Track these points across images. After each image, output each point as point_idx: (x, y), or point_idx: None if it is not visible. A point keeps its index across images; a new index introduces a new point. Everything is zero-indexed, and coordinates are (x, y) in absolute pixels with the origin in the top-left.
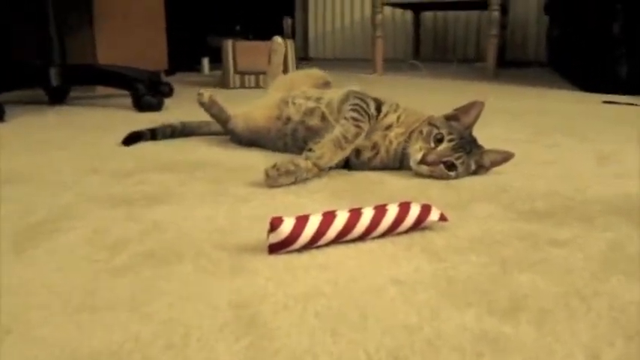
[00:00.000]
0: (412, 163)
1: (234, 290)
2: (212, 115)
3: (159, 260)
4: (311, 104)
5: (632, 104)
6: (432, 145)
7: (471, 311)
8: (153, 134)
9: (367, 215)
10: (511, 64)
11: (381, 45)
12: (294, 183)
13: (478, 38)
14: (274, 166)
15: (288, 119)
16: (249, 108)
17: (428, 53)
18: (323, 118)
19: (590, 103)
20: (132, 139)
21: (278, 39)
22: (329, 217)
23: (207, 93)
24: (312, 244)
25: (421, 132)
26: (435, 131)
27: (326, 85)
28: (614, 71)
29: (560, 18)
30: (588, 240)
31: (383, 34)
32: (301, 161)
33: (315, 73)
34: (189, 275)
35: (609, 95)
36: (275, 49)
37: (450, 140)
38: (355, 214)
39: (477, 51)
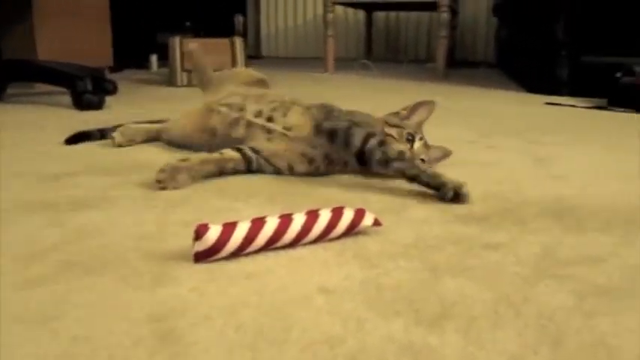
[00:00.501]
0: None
1: (155, 302)
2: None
3: (78, 271)
4: (234, 114)
5: (572, 106)
6: (409, 146)
7: (398, 321)
8: (102, 134)
9: (298, 221)
10: (461, 64)
11: (332, 44)
12: (194, 180)
13: (429, 39)
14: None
15: (214, 131)
16: (180, 116)
17: (380, 53)
18: (249, 125)
19: (534, 105)
20: (77, 138)
21: (189, 44)
22: (258, 224)
23: (118, 138)
24: (241, 251)
25: (391, 135)
26: (405, 131)
27: (260, 83)
28: (556, 73)
29: (508, 20)
30: (522, 244)
31: (334, 33)
32: (193, 156)
33: (244, 72)
34: (108, 287)
35: (552, 97)
36: (191, 56)
37: (420, 139)
38: (286, 220)
39: (428, 51)
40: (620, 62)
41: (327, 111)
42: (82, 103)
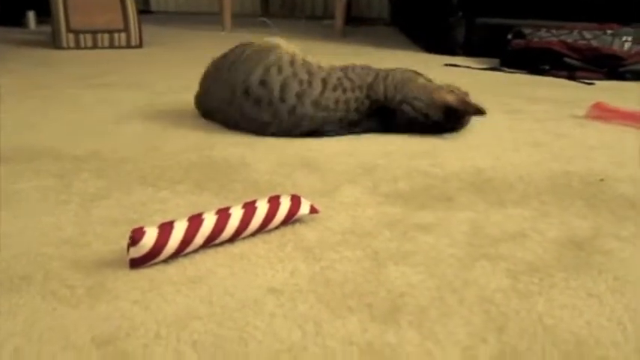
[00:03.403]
0: None
1: (96, 321)
2: None
3: None
4: None
5: (469, 67)
6: None
7: (353, 319)
8: None
9: (236, 215)
10: (356, 20)
11: (228, 1)
12: None
13: None
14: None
15: None
16: None
17: (276, 9)
18: None
19: (434, 66)
20: None
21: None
22: (196, 222)
23: None
24: (179, 253)
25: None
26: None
27: None
28: (452, 35)
29: None
30: (451, 222)
31: None
32: None
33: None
34: (36, 306)
35: (449, 57)
36: None
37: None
38: (224, 216)
39: (325, 8)
40: (512, 24)
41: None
42: None
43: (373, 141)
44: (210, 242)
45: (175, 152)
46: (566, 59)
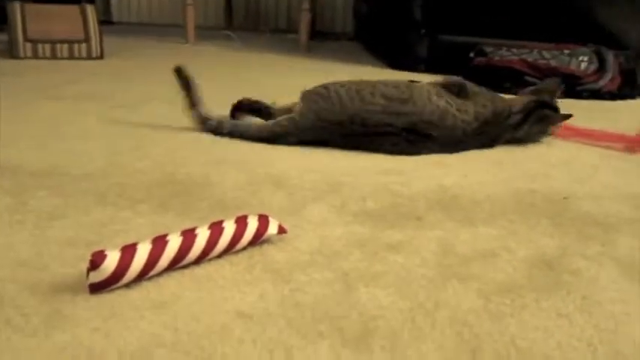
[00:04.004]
0: None
1: (53, 351)
2: None
3: None
4: None
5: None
6: None
7: (324, 344)
8: None
9: (203, 236)
10: (320, 34)
11: (192, 12)
12: None
13: (289, 8)
14: None
15: None
16: None
17: (240, 22)
18: None
19: None
20: None
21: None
22: (160, 244)
23: None
24: (142, 277)
25: None
26: None
27: None
28: (415, 51)
29: None
30: (421, 241)
31: (193, 0)
32: None
33: None
34: None
35: (412, 74)
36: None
37: None
38: (189, 237)
39: (288, 21)
40: (474, 42)
41: None
42: None
43: (338, 157)
44: (175, 265)
45: (137, 169)
46: (527, 78)
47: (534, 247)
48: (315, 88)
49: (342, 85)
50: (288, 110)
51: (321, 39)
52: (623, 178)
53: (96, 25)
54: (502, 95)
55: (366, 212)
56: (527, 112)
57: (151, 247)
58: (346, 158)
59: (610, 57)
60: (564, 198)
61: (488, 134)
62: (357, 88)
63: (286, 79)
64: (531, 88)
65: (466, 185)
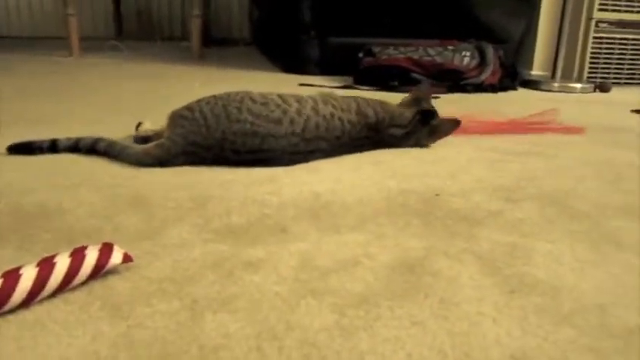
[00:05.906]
0: None
1: None
2: None
3: None
4: None
5: (323, 86)
6: None
7: None
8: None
9: (28, 276)
10: (217, 41)
11: (75, 23)
12: None
13: (183, 15)
14: None
15: None
16: None
17: (132, 31)
18: None
19: (288, 86)
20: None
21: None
22: None
23: None
24: None
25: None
26: None
27: None
28: (306, 54)
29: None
30: (282, 256)
31: (76, 11)
32: None
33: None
34: None
35: (305, 76)
36: None
37: None
38: (11, 278)
39: (183, 29)
40: (363, 43)
41: None
42: None
43: (207, 169)
44: None
45: None
46: (413, 75)
47: (399, 251)
48: (181, 109)
49: (207, 102)
50: (159, 134)
51: (218, 45)
52: (494, 171)
53: None
54: (391, 103)
55: (229, 228)
56: (414, 126)
57: None
58: (215, 170)
59: (490, 51)
60: (436, 195)
61: (372, 139)
62: (224, 103)
63: (173, 89)
64: (407, 98)
65: (339, 190)
